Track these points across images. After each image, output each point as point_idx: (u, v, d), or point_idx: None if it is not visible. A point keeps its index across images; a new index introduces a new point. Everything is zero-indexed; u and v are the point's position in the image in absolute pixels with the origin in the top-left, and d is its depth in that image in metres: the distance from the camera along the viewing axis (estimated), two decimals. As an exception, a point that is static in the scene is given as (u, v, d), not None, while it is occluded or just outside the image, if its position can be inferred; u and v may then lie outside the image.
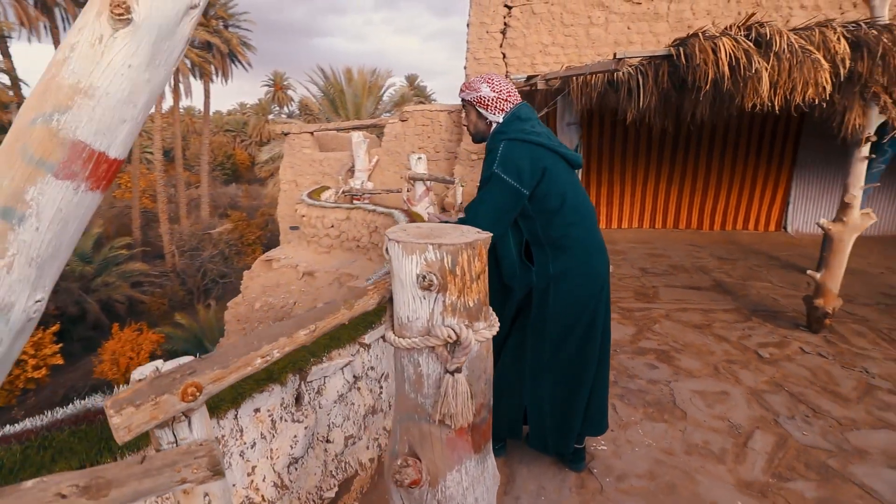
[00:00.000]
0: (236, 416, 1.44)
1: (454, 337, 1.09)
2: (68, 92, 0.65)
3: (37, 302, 0.70)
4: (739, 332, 3.55)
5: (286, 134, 10.07)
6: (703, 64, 2.76)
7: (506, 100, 1.71)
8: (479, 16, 7.05)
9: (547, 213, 1.65)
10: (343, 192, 8.13)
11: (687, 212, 7.46)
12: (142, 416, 0.79)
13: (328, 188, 8.60)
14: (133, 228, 21.13)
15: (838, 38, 2.60)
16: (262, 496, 1.48)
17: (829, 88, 2.61)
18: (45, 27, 18.26)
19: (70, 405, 1.30)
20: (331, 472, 1.76)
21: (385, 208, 6.20)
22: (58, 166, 0.65)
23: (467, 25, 7.24)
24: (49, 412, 1.32)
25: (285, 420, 1.58)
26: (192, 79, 21.90)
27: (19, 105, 17.13)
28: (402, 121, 8.71)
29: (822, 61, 2.53)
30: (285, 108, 33.78)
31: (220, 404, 1.37)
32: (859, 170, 3.24)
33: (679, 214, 7.49)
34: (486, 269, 1.16)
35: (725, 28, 2.83)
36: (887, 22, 2.73)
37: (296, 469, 1.60)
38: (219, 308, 15.09)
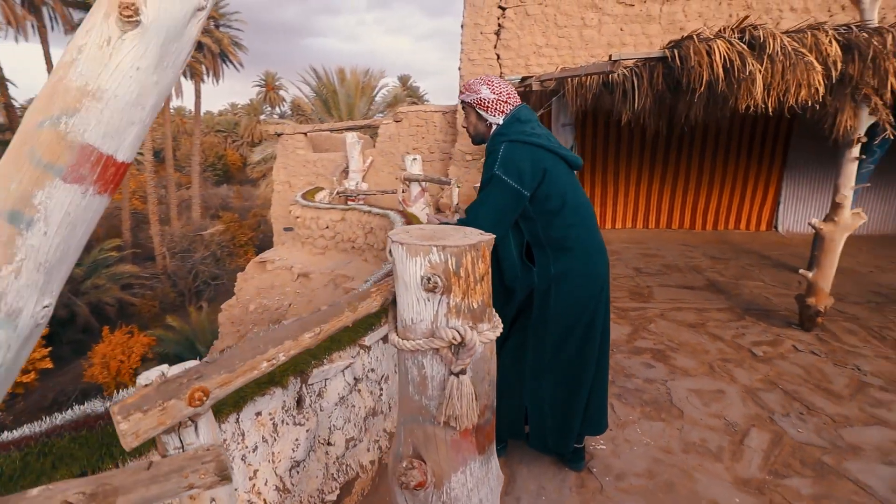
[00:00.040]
0: (238, 419, 1.43)
1: (459, 339, 1.09)
2: (76, 94, 0.65)
3: (44, 307, 0.69)
4: (733, 331, 3.59)
5: (279, 134, 10.02)
6: (698, 66, 2.78)
7: (506, 102, 1.72)
8: (473, 17, 7.07)
9: (548, 214, 1.66)
10: (337, 193, 8.10)
11: (679, 212, 7.53)
12: (149, 421, 0.79)
13: (322, 189, 8.57)
14: (123, 230, 20.87)
15: (830, 41, 2.64)
16: (264, 500, 1.47)
17: (821, 90, 2.65)
18: (32, 26, 18.00)
19: (69, 410, 1.28)
20: (332, 474, 1.76)
21: (380, 209, 6.19)
22: (66, 170, 0.64)
23: (461, 26, 7.26)
24: (47, 418, 1.30)
25: (287, 423, 1.58)
26: (182, 79, 21.69)
27: (6, 105, 16.86)
28: (397, 121, 8.70)
29: (815, 63, 2.57)
30: (277, 109, 33.61)
31: (222, 408, 1.36)
32: (850, 170, 3.29)
33: (672, 214, 7.56)
34: (490, 270, 1.16)
35: (719, 30, 2.87)
36: (877, 25, 2.78)
37: (297, 472, 1.59)
38: (211, 310, 14.97)
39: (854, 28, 2.76)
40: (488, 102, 1.71)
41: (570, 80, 4.05)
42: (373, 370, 2.08)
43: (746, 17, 3.00)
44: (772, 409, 2.55)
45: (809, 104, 2.86)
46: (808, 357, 3.16)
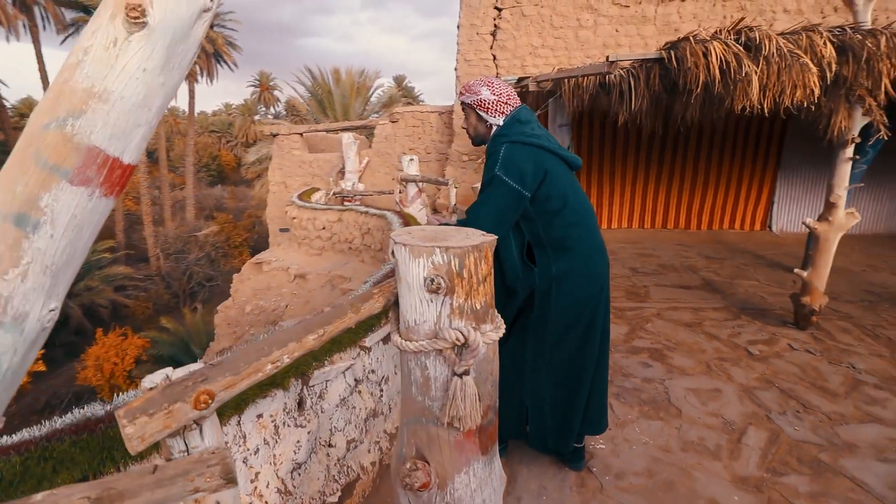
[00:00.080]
0: (239, 422, 1.42)
1: (462, 340, 1.09)
2: (82, 96, 0.64)
3: (51, 311, 0.68)
4: (729, 330, 3.61)
5: (275, 135, 9.98)
6: (695, 67, 2.80)
7: (506, 103, 1.72)
8: (469, 18, 7.08)
9: (548, 214, 1.67)
10: (334, 193, 8.08)
11: (675, 212, 7.58)
12: (155, 425, 0.78)
13: (318, 190, 8.54)
14: (116, 231, 20.70)
15: (825, 43, 2.67)
16: (266, 502, 1.46)
17: (817, 92, 2.68)
18: (24, 26, 17.83)
19: (69, 414, 1.27)
20: (333, 476, 1.75)
21: (377, 210, 6.18)
22: (72, 172, 0.64)
23: (458, 27, 7.27)
24: (45, 421, 1.29)
25: (288, 425, 1.57)
26: (176, 79, 21.51)
27: (-5, 105, 16.68)
28: (393, 122, 8.70)
29: (811, 65, 2.60)
30: (272, 109, 33.46)
31: (224, 410, 1.35)
32: (844, 171, 3.33)
33: (667, 214, 7.61)
34: (492, 271, 1.16)
35: (716, 32, 2.89)
36: (871, 27, 2.81)
37: (299, 474, 1.59)
38: (206, 311, 14.87)
39: (848, 30, 2.79)
40: (489, 104, 1.72)
41: (566, 80, 4.07)
42: (373, 371, 2.08)
43: (742, 18, 3.03)
44: (768, 408, 2.57)
45: (805, 105, 2.89)
46: (803, 355, 3.19)
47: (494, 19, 7.03)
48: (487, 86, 1.73)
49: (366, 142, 10.49)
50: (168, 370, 0.88)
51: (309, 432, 1.65)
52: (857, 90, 2.88)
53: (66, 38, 18.78)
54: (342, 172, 8.82)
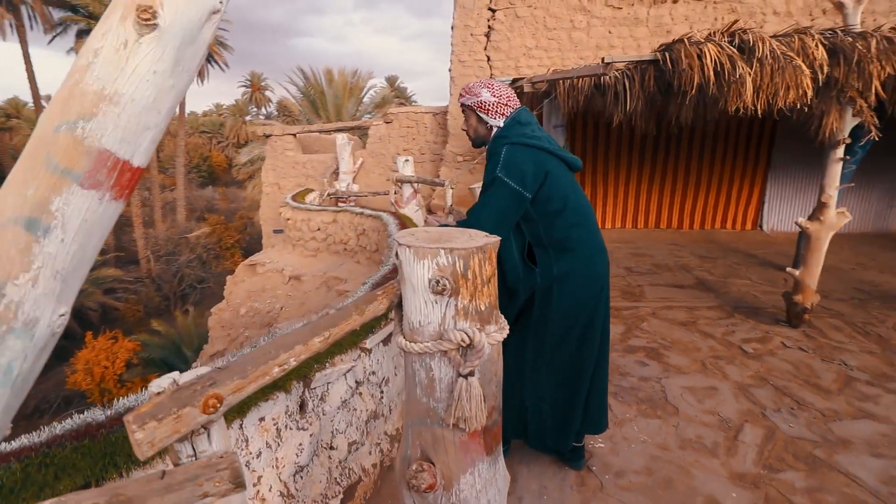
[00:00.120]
0: (241, 425, 1.41)
1: (467, 341, 1.10)
2: (93, 99, 0.64)
3: (61, 316, 0.67)
4: (723, 329, 3.65)
5: (268, 136, 9.92)
6: (689, 69, 2.83)
7: (506, 104, 1.73)
8: (463, 19, 7.09)
9: (549, 215, 1.68)
10: (328, 194, 8.05)
11: (668, 212, 7.65)
12: (164, 429, 0.77)
13: (312, 191, 8.50)
14: (106, 233, 20.43)
15: (816, 45, 2.71)
16: (269, 506, 1.45)
17: (809, 93, 2.72)
18: (10, 25, 17.56)
19: (69, 420, 1.25)
20: (335, 478, 1.75)
21: (373, 211, 6.17)
22: (83, 175, 0.63)
23: (451, 28, 7.28)
24: (44, 427, 1.27)
25: (290, 428, 1.56)
26: (166, 79, 21.31)
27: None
28: (387, 122, 8.68)
29: (803, 67, 2.63)
30: (263, 110, 33.25)
31: (227, 414, 1.34)
32: (835, 171, 3.38)
33: (660, 214, 7.68)
34: (496, 272, 1.17)
35: (709, 34, 2.92)
36: (861, 30, 2.86)
37: (301, 477, 1.58)
38: (197, 314, 14.73)
39: (839, 32, 2.83)
40: (489, 105, 1.72)
41: (561, 82, 4.09)
42: (374, 373, 2.07)
43: (735, 21, 3.07)
44: (764, 405, 2.60)
45: (797, 106, 2.93)
46: (796, 353, 3.24)
47: (488, 20, 7.06)
48: (488, 87, 1.73)
49: (360, 142, 10.46)
50: (175, 374, 0.87)
51: (311, 435, 1.64)
52: (849, 92, 2.93)
53: (54, 37, 18.53)
54: (336, 173, 8.78)
